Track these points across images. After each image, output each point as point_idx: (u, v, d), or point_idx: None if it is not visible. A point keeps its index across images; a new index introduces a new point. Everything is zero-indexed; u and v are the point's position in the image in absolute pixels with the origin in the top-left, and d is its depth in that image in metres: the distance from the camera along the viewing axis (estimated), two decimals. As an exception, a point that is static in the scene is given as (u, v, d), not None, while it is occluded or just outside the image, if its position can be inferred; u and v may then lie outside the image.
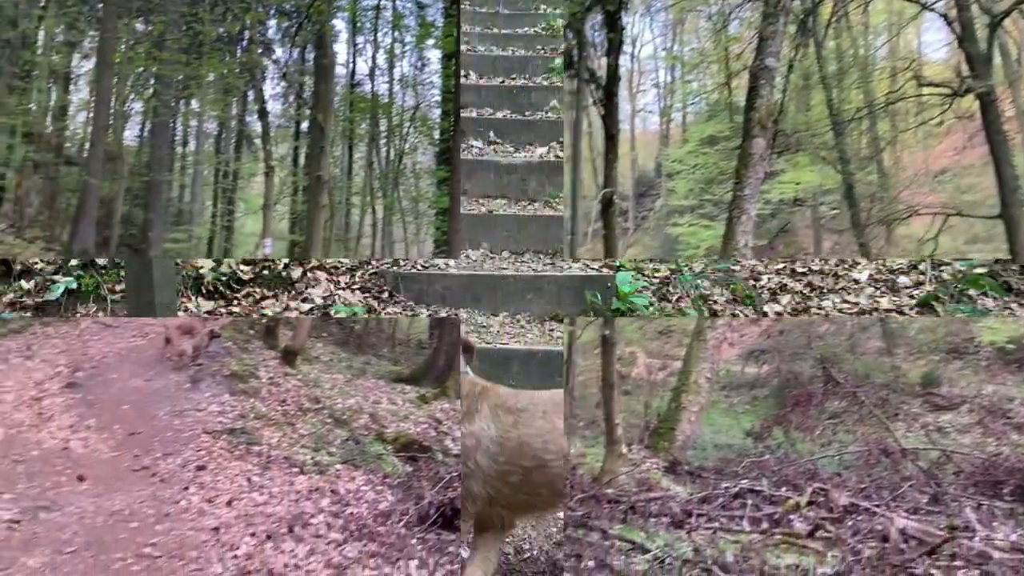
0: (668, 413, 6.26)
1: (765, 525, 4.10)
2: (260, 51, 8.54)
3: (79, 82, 9.42)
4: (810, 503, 4.30)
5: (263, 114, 8.96)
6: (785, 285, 5.85)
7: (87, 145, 8.56)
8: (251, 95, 9.49)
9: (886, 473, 4.95)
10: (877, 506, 4.04)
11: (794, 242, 12.77)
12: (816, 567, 3.40)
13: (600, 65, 8.24)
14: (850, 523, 3.90)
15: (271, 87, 9.03)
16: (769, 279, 5.95)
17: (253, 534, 3.21)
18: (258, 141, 9.85)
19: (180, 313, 4.18)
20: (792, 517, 4.19)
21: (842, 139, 9.79)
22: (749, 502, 4.44)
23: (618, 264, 5.17)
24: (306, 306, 4.57)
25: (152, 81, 9.06)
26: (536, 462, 2.67)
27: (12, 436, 3.80)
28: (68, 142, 9.32)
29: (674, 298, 5.22)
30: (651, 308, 4.85)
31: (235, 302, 4.46)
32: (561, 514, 3.70)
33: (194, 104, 9.58)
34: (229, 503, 3.47)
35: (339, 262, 4.94)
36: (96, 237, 7.17)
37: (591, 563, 3.43)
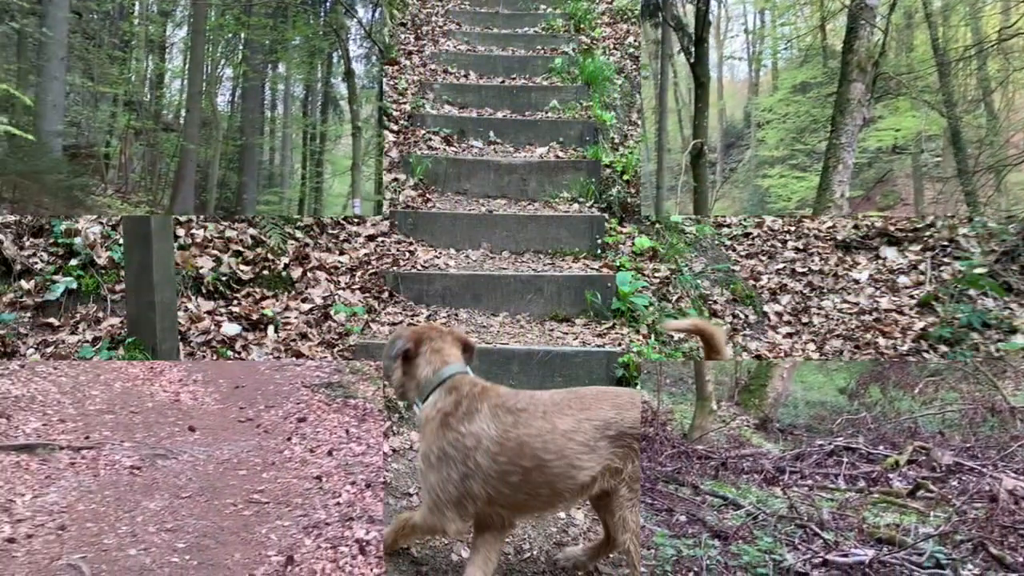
0: (759, 370, 6.19)
1: (862, 483, 4.06)
2: (344, 12, 8.54)
3: (173, 50, 9.53)
4: (910, 462, 4.21)
5: (349, 75, 8.96)
6: (785, 285, 5.86)
7: (183, 112, 8.72)
8: (336, 57, 9.52)
9: (993, 432, 4.80)
10: (983, 466, 3.93)
11: (892, 192, 12.08)
12: (918, 526, 3.33)
13: (686, 12, 8.12)
14: (954, 483, 3.81)
15: (355, 48, 8.99)
16: (769, 279, 5.96)
17: (353, 483, 3.33)
18: (344, 103, 9.89)
19: (180, 314, 4.18)
20: (891, 476, 4.13)
21: (947, 81, 9.18)
22: (845, 460, 4.36)
23: (618, 264, 5.16)
24: (306, 306, 4.57)
25: (241, 47, 9.15)
26: (535, 462, 2.70)
27: (128, 388, 3.92)
28: (165, 109, 9.50)
29: (674, 298, 5.22)
30: (651, 308, 4.85)
31: (235, 302, 4.45)
32: (562, 514, 3.70)
33: (281, 68, 9.64)
34: (329, 453, 3.55)
35: (339, 262, 4.94)
36: (195, 200, 7.25)
37: (683, 518, 3.47)
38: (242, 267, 4.63)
